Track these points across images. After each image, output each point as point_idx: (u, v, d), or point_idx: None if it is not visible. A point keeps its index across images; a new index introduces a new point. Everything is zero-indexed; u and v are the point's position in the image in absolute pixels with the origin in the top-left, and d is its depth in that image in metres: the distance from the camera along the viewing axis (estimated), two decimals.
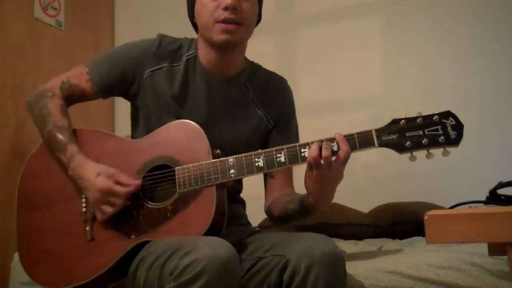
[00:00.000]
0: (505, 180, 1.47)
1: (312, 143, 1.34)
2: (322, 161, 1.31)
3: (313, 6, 2.86)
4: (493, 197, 1.44)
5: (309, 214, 1.49)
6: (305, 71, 2.79)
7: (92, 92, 1.57)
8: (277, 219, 1.59)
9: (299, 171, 1.47)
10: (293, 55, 2.88)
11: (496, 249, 1.21)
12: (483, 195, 1.49)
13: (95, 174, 1.43)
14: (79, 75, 1.58)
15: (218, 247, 1.22)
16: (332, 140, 1.33)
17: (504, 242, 1.08)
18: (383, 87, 2.68)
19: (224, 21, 1.47)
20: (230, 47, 1.53)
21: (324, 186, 1.37)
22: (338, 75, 2.75)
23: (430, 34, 2.62)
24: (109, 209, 1.42)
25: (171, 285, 1.21)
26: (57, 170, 1.53)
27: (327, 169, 1.32)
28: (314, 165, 1.32)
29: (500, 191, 1.46)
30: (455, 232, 1.07)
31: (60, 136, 1.50)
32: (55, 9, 2.85)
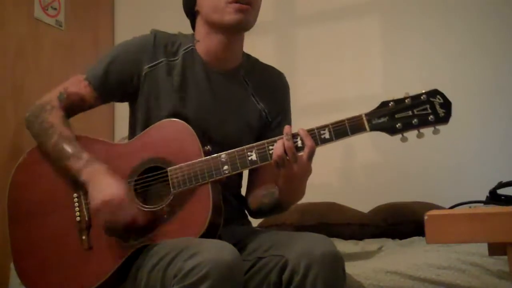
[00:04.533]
0: (505, 180, 1.47)
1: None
2: (287, 156, 1.32)
3: (313, 6, 2.85)
4: (493, 197, 1.44)
5: (283, 210, 1.51)
6: (305, 71, 2.78)
7: (92, 97, 1.55)
8: (254, 213, 1.61)
9: None
10: (293, 55, 2.88)
11: (496, 249, 1.21)
12: (483, 195, 1.49)
13: (105, 196, 1.37)
14: (76, 83, 1.55)
15: (223, 251, 1.22)
16: (295, 135, 1.34)
17: (504, 242, 1.08)
18: (383, 87, 2.68)
19: (237, 1, 1.47)
20: (240, 30, 1.53)
21: (294, 183, 1.39)
22: (338, 75, 2.75)
23: (430, 34, 2.62)
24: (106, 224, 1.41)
25: (175, 287, 1.21)
26: (47, 180, 1.51)
27: (294, 163, 1.33)
28: (280, 163, 1.33)
29: (500, 191, 1.45)
30: (455, 232, 1.07)
31: (69, 146, 1.46)
32: (55, 9, 2.84)
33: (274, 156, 1.33)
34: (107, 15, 3.21)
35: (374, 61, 2.72)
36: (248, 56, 1.65)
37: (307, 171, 1.37)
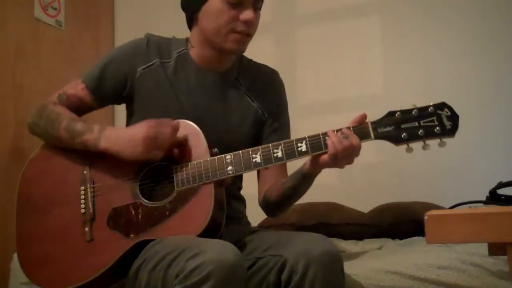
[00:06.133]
0: (505, 180, 1.47)
1: (326, 134, 1.35)
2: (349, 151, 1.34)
3: (313, 6, 2.86)
4: (493, 197, 1.44)
5: (309, 184, 1.50)
6: (305, 71, 2.78)
7: (89, 99, 1.57)
8: (275, 205, 1.59)
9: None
10: (293, 55, 2.88)
11: (496, 249, 1.21)
12: (483, 195, 1.49)
13: (133, 128, 1.43)
14: (74, 86, 1.59)
15: (225, 251, 1.22)
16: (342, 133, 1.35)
17: (504, 242, 1.08)
18: (383, 87, 2.68)
19: (240, 33, 1.49)
20: (235, 55, 1.57)
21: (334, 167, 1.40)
22: (338, 75, 2.75)
23: (430, 34, 2.62)
24: (158, 153, 1.42)
25: (177, 287, 1.21)
26: (57, 174, 1.53)
27: (353, 156, 1.36)
28: (342, 156, 1.34)
29: (500, 191, 1.46)
30: (455, 232, 1.07)
31: (79, 124, 1.50)
32: (55, 9, 2.84)
33: (334, 151, 1.34)
34: (107, 15, 3.21)
35: (374, 61, 2.72)
36: (241, 57, 1.66)
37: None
